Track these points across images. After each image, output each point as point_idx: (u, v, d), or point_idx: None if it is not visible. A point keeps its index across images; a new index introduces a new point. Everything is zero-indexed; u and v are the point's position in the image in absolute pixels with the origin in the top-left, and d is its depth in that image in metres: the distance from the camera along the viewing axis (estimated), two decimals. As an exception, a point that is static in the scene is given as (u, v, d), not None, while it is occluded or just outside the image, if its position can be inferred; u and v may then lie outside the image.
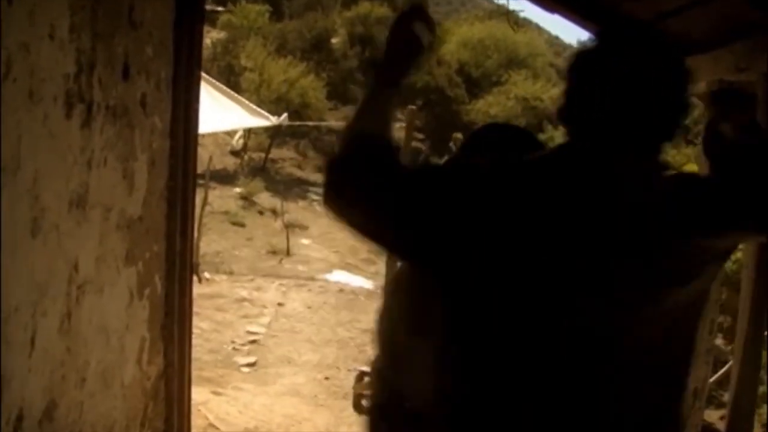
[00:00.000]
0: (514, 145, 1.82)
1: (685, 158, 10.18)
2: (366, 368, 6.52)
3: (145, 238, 2.88)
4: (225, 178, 15.97)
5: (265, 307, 9.05)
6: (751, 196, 1.36)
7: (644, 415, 1.45)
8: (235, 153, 18.17)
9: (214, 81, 10.24)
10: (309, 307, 9.18)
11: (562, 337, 1.39)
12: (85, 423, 2.41)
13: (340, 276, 10.89)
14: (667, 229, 1.38)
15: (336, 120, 17.86)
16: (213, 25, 20.62)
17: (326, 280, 10.79)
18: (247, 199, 15.20)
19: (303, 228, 13.95)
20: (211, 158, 11.98)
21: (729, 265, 3.75)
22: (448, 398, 1.47)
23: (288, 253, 12.18)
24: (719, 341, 5.93)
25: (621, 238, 1.38)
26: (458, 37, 25.80)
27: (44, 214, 2.00)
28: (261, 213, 14.92)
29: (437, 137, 19.58)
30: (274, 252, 12.23)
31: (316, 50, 23.16)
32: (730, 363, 4.58)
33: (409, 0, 1.68)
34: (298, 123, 16.26)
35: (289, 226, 13.08)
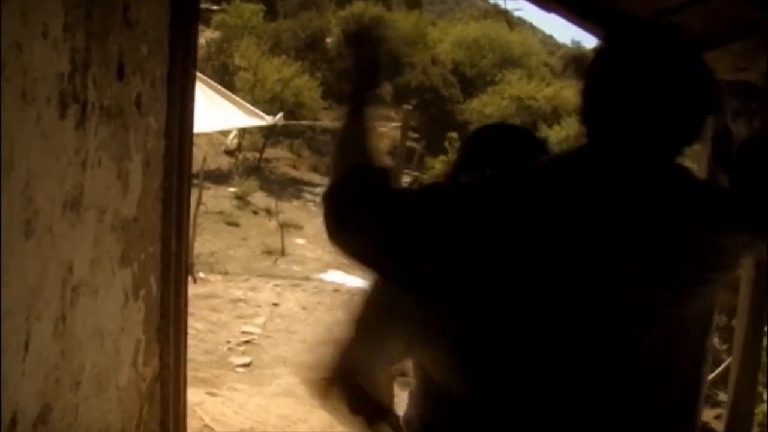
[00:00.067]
0: (515, 146, 1.78)
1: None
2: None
3: (140, 240, 2.86)
4: (219, 177, 15.94)
5: (260, 307, 9.02)
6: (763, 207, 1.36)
7: (661, 423, 1.44)
8: (229, 153, 18.14)
9: (209, 80, 10.20)
10: (304, 308, 9.15)
11: (582, 347, 1.37)
12: (80, 426, 2.39)
13: (335, 276, 10.85)
14: (683, 236, 1.37)
15: (330, 119, 17.84)
16: (207, 24, 20.57)
17: (321, 280, 10.76)
18: (241, 198, 15.17)
19: (298, 228, 13.92)
20: (205, 158, 11.96)
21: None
22: (456, 406, 1.44)
23: (283, 253, 12.16)
24: (714, 340, 5.93)
25: (639, 244, 1.36)
26: (453, 37, 25.84)
27: (38, 215, 1.98)
28: (255, 213, 14.89)
29: (432, 137, 19.57)
30: (268, 252, 12.20)
31: (311, 50, 23.16)
32: (726, 362, 4.58)
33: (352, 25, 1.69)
34: (293, 122, 16.22)
35: (283, 226, 13.05)
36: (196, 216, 9.25)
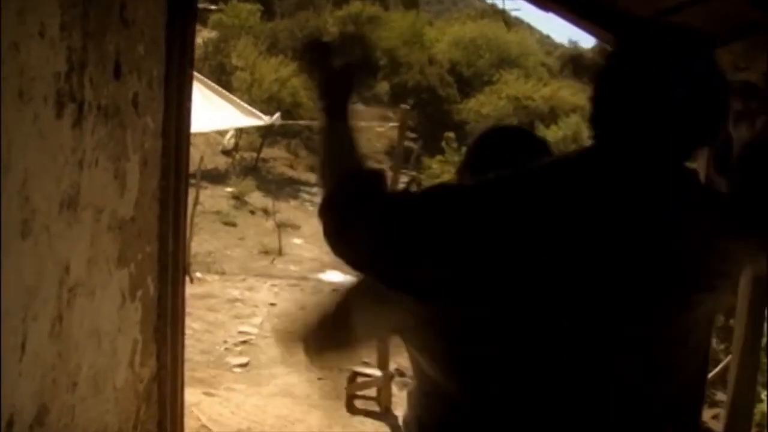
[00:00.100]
0: (520, 148, 1.77)
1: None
2: (358, 369, 6.50)
3: (137, 240, 2.85)
4: (216, 177, 15.93)
5: (257, 307, 9.01)
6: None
7: (664, 425, 1.43)
8: (226, 152, 18.13)
9: (206, 80, 10.18)
10: (301, 308, 9.14)
11: (586, 349, 1.36)
12: (77, 427, 2.37)
13: (332, 276, 10.83)
14: (686, 239, 1.37)
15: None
16: (204, 24, 20.56)
17: (319, 280, 10.75)
18: (238, 198, 15.17)
19: (295, 227, 13.92)
20: (202, 158, 11.95)
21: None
22: (456, 407, 1.43)
23: (280, 252, 12.15)
24: (712, 340, 5.93)
25: (644, 246, 1.35)
26: (450, 37, 25.87)
27: (34, 215, 1.96)
28: (252, 213, 14.89)
29: (429, 136, 19.58)
30: (266, 252, 12.19)
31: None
32: (724, 362, 4.58)
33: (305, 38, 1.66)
34: (290, 122, 16.22)
35: (280, 226, 13.06)
36: (193, 216, 9.24)
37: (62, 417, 2.25)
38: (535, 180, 1.40)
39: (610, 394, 1.38)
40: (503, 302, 1.35)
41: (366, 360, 7.12)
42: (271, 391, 6.43)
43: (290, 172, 19.04)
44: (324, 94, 1.57)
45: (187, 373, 3.71)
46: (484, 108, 22.02)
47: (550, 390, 1.37)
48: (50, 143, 2.05)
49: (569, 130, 19.27)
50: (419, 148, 19.30)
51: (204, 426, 5.44)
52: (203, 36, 19.92)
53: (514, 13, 34.14)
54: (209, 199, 13.97)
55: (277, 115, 12.30)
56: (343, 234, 1.43)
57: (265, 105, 16.16)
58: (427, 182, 13.42)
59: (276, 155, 19.63)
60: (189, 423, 4.55)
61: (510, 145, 1.81)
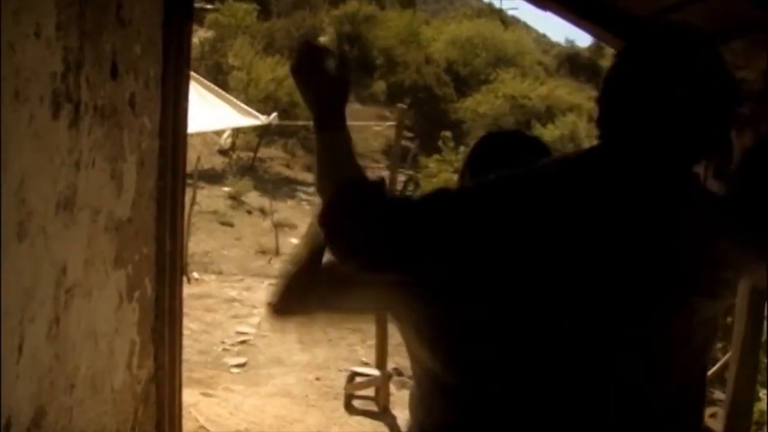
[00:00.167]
0: (521, 152, 1.77)
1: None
2: (357, 368, 6.50)
3: (134, 240, 2.84)
4: (213, 177, 15.91)
5: (254, 307, 8.99)
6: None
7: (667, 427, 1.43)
8: (223, 152, 18.12)
9: (202, 80, 10.16)
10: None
11: (594, 349, 1.36)
12: (75, 429, 2.36)
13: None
14: (690, 241, 1.36)
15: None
16: (200, 23, 20.54)
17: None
18: (235, 198, 15.16)
19: (292, 227, 13.90)
20: (199, 158, 11.93)
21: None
22: (465, 407, 1.42)
23: (277, 252, 12.13)
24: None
25: (647, 247, 1.35)
26: (446, 36, 25.87)
27: (31, 216, 1.95)
28: (249, 212, 14.88)
29: (426, 136, 19.56)
30: (263, 251, 12.18)
31: (305, 49, 23.09)
32: (722, 361, 4.57)
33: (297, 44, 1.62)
34: (287, 122, 16.20)
35: (278, 226, 13.04)
36: (190, 216, 9.23)
37: (60, 419, 2.24)
38: (538, 180, 1.40)
39: (611, 394, 1.38)
40: (505, 301, 1.34)
41: (364, 360, 7.13)
42: (269, 391, 6.41)
43: (287, 172, 19.02)
44: (319, 102, 1.54)
45: (185, 374, 3.70)
46: (481, 107, 22.02)
47: (551, 390, 1.36)
48: (46, 144, 2.04)
49: (566, 129, 19.29)
50: (416, 148, 19.29)
51: (202, 427, 5.42)
52: (199, 36, 19.90)
53: (511, 12, 34.19)
54: (206, 199, 13.95)
55: (274, 114, 12.28)
56: (346, 239, 1.42)
57: (262, 104, 16.15)
58: (424, 181, 13.42)
59: (273, 155, 19.62)
60: (187, 424, 4.53)
61: (510, 149, 1.80)
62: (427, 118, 21.31)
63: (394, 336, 6.27)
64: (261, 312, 8.77)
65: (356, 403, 6.21)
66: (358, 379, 6.26)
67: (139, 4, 2.69)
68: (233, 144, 18.24)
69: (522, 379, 1.37)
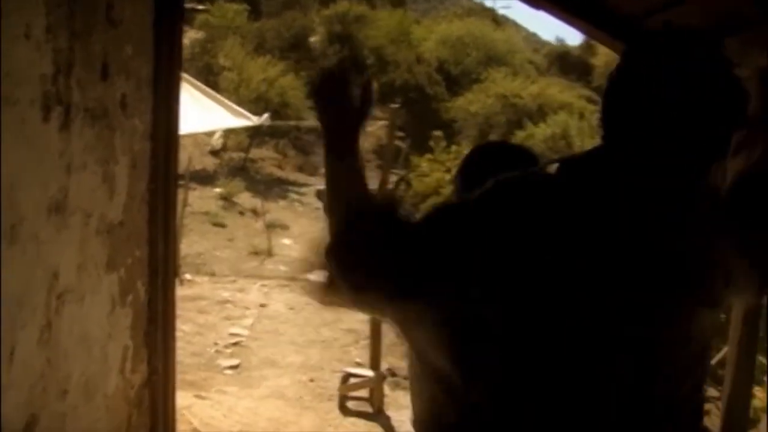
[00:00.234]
0: (512, 163, 1.77)
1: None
2: (351, 369, 6.48)
3: (127, 244, 2.81)
4: (205, 178, 15.85)
5: (247, 308, 8.96)
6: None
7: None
8: (214, 153, 18.05)
9: (194, 81, 10.12)
10: (292, 308, 9.10)
11: (596, 354, 1.36)
12: (68, 436, 2.34)
13: (322, 276, 10.80)
14: (692, 245, 1.36)
15: (316, 119, 17.77)
16: (191, 24, 20.47)
17: (308, 281, 10.69)
18: (227, 199, 15.10)
19: (284, 228, 13.87)
20: (190, 159, 11.88)
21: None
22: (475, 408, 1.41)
23: (269, 253, 12.10)
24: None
25: (647, 250, 1.35)
26: (437, 35, 25.84)
27: (22, 221, 1.93)
28: (241, 213, 14.82)
29: (417, 135, 19.55)
30: (255, 252, 12.14)
31: (295, 49, 23.10)
32: (716, 358, 4.58)
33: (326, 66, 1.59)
34: (278, 122, 16.16)
35: (270, 226, 13.01)
36: (182, 217, 9.19)
37: (52, 426, 2.22)
38: (540, 183, 1.41)
39: (612, 394, 1.37)
40: (510, 302, 1.34)
41: (358, 360, 7.11)
42: (262, 393, 6.38)
43: (279, 173, 18.97)
44: (335, 128, 1.52)
45: (178, 376, 3.68)
46: (473, 106, 22.00)
47: (554, 390, 1.36)
48: (37, 147, 2.01)
49: (557, 128, 19.28)
50: (407, 147, 19.28)
51: (196, 429, 5.39)
52: (190, 36, 19.82)
53: (502, 11, 34.22)
54: (198, 200, 13.90)
55: (266, 115, 12.25)
56: (358, 272, 1.41)
57: (253, 105, 16.09)
58: (416, 181, 13.41)
59: (264, 155, 19.56)
60: (181, 427, 4.51)
61: (501, 159, 1.83)
62: (419, 117, 21.29)
63: (388, 336, 6.26)
64: (254, 313, 8.75)
65: (350, 404, 6.19)
66: (352, 380, 6.24)
67: (130, 5, 2.67)
68: (224, 145, 18.17)
69: (524, 379, 1.37)
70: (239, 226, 13.84)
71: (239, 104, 12.25)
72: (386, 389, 6.29)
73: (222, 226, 13.59)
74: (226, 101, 10.96)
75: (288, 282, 10.40)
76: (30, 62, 1.93)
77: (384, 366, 6.37)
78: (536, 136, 18.84)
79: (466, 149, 13.87)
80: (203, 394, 6.09)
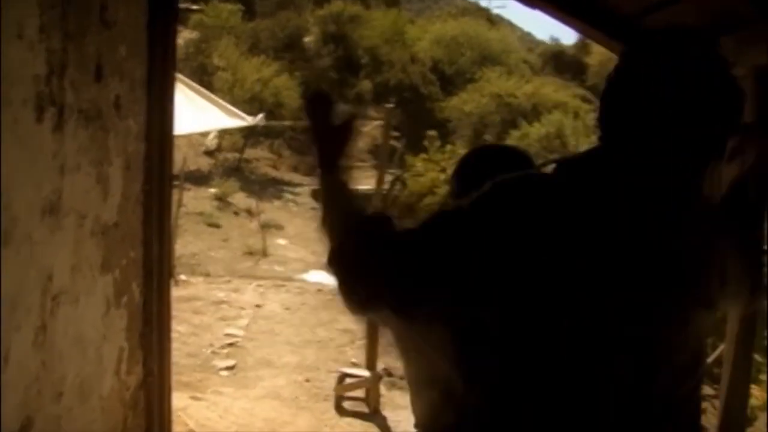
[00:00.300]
0: (505, 166, 1.77)
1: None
2: (347, 370, 6.47)
3: (121, 245, 2.80)
4: (199, 179, 15.84)
5: (242, 308, 8.94)
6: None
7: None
8: (209, 153, 18.03)
9: (188, 81, 10.09)
10: (287, 309, 9.09)
11: (595, 354, 1.35)
12: (63, 438, 2.33)
13: (317, 276, 10.79)
14: (690, 244, 1.37)
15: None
16: (185, 24, 20.44)
17: (304, 281, 10.69)
18: (222, 199, 15.09)
19: (279, 228, 13.86)
20: (185, 159, 11.87)
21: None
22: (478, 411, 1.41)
23: (264, 253, 12.09)
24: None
25: (647, 249, 1.35)
26: (431, 35, 25.86)
27: (16, 223, 1.92)
28: (236, 213, 14.81)
29: (412, 135, 19.55)
30: (250, 253, 12.12)
31: (289, 49, 23.09)
32: (712, 356, 4.58)
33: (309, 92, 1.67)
34: (273, 123, 16.14)
35: (265, 227, 12.99)
36: (176, 218, 9.17)
37: (47, 428, 2.20)
38: (539, 183, 1.40)
39: (611, 394, 1.37)
40: (510, 302, 1.33)
41: (354, 361, 7.10)
42: (258, 393, 6.37)
43: (273, 173, 18.96)
44: (323, 148, 1.58)
45: (174, 377, 3.67)
46: (467, 106, 22.02)
47: (551, 392, 1.35)
48: (30, 148, 2.00)
49: (552, 127, 19.30)
50: (403, 147, 19.28)
51: (192, 431, 5.38)
52: (184, 37, 19.80)
53: (496, 11, 34.21)
54: (192, 200, 13.88)
55: (260, 115, 12.24)
56: (363, 283, 1.42)
57: (247, 105, 16.07)
58: (411, 181, 13.40)
59: (259, 156, 19.54)
60: (176, 428, 4.49)
61: (496, 162, 1.83)
62: (413, 117, 21.29)
63: (384, 336, 6.25)
64: (249, 314, 8.74)
65: (346, 404, 6.18)
66: (348, 381, 6.24)
67: (124, 6, 2.66)
68: (219, 145, 18.16)
69: (523, 380, 1.37)
70: (234, 227, 13.83)
71: (234, 104, 12.22)
72: (382, 389, 6.28)
73: (217, 226, 13.58)
74: (221, 101, 10.93)
75: (283, 282, 10.40)
76: (23, 63, 1.92)
77: (380, 366, 6.36)
78: (531, 135, 18.86)
79: (460, 149, 13.90)
80: (199, 395, 6.08)
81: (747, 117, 2.01)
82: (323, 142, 1.60)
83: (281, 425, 5.78)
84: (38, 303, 2.11)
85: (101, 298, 2.64)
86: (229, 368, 6.97)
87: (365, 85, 23.55)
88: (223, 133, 17.37)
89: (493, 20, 31.52)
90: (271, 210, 15.20)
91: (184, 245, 11.20)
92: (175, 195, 6.51)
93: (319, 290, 9.90)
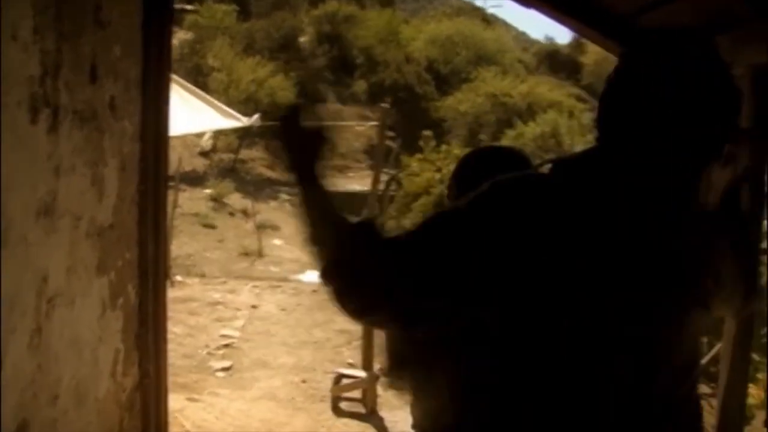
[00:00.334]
0: (505, 167, 1.77)
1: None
2: (343, 370, 6.46)
3: (117, 246, 2.79)
4: (195, 179, 15.81)
5: (238, 309, 8.93)
6: None
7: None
8: (204, 154, 18.01)
9: (183, 82, 10.07)
10: (283, 309, 9.08)
11: (595, 354, 1.35)
12: (59, 441, 2.32)
13: (313, 276, 10.76)
14: (689, 244, 1.38)
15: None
16: (179, 25, 20.40)
17: (300, 281, 10.68)
18: (217, 200, 15.07)
19: (275, 228, 13.85)
20: (180, 160, 11.85)
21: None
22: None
23: (260, 254, 12.08)
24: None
25: (646, 249, 1.35)
26: (426, 35, 25.85)
27: (11, 225, 1.91)
28: (232, 214, 14.80)
29: (407, 135, 19.55)
30: (246, 253, 12.11)
31: (284, 49, 23.05)
32: (707, 356, 4.59)
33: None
34: (269, 123, 16.12)
35: (260, 227, 12.98)
36: (172, 219, 9.16)
37: (43, 431, 2.19)
38: (536, 183, 1.40)
39: (611, 394, 1.37)
40: (508, 305, 1.33)
41: (350, 361, 7.09)
42: (254, 395, 6.35)
43: (269, 173, 18.93)
44: (296, 160, 1.55)
45: (170, 379, 3.66)
46: (462, 105, 22.01)
47: (551, 392, 1.35)
48: (25, 150, 1.99)
49: (547, 126, 19.31)
50: (398, 147, 19.30)
51: (188, 432, 5.37)
52: (178, 37, 19.75)
53: (491, 11, 34.24)
54: (188, 201, 13.86)
55: (256, 116, 12.20)
56: (360, 291, 1.40)
57: (243, 106, 16.04)
58: (406, 181, 13.39)
59: (254, 156, 19.51)
60: (173, 430, 4.48)
61: (495, 163, 1.83)
62: (408, 117, 21.28)
63: (380, 337, 6.22)
64: (245, 314, 8.72)
65: (343, 405, 6.17)
66: (345, 381, 6.22)
67: (118, 6, 2.65)
68: (214, 146, 18.14)
69: (523, 381, 1.36)
70: (229, 227, 13.81)
71: (229, 105, 12.20)
72: (379, 390, 6.27)
73: (212, 227, 13.56)
74: (216, 102, 10.90)
75: (279, 283, 10.38)
76: (17, 64, 1.91)
77: (376, 366, 6.35)
78: (526, 134, 18.86)
79: (456, 148, 13.89)
80: (195, 396, 6.06)
81: (744, 116, 2.02)
82: (297, 153, 1.56)
83: (278, 426, 5.76)
84: (33, 305, 2.10)
85: (97, 299, 2.63)
86: (226, 369, 6.95)
87: (360, 85, 23.54)
88: (218, 134, 17.36)
89: (488, 20, 31.53)
90: (267, 210, 15.18)
91: (179, 246, 11.18)
92: (170, 196, 6.50)
93: (315, 291, 9.88)
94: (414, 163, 14.44)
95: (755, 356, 4.48)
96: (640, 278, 1.34)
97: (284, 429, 5.74)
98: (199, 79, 17.99)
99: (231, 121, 10.90)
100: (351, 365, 6.85)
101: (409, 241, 1.41)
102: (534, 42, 36.13)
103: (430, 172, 13.32)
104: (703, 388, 4.93)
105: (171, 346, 4.75)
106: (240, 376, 6.81)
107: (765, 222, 2.94)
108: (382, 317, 1.44)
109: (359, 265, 1.40)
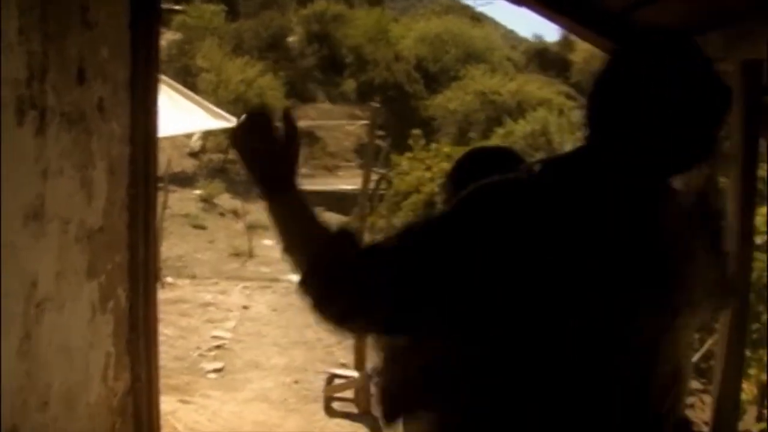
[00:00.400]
0: (501, 167, 1.76)
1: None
2: (335, 370, 6.44)
3: (107, 250, 2.76)
4: (184, 180, 15.77)
5: (230, 310, 8.90)
6: None
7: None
8: (193, 155, 17.97)
9: (172, 82, 10.03)
10: (274, 310, 9.05)
11: (595, 354, 1.35)
12: (49, 447, 2.29)
13: (305, 277, 10.74)
14: (685, 243, 1.38)
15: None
16: (167, 25, 20.33)
17: (290, 281, 10.65)
18: (207, 201, 15.03)
19: (265, 229, 13.77)
20: (169, 161, 11.80)
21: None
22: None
23: (251, 254, 12.05)
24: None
25: (644, 249, 1.34)
26: (415, 33, 25.88)
27: (-2, 229, 1.88)
28: (222, 215, 14.76)
29: (397, 134, 19.54)
30: (236, 254, 12.08)
31: (273, 49, 23.03)
32: (700, 352, 4.60)
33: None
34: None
35: (251, 228, 12.94)
36: (161, 220, 9.11)
37: (34, 438, 2.17)
38: (525, 184, 1.39)
39: (616, 395, 1.36)
40: (503, 305, 1.31)
41: (342, 361, 7.07)
42: (247, 396, 6.33)
43: (259, 173, 18.90)
44: (265, 169, 1.48)
45: (162, 381, 3.63)
46: (452, 103, 22.04)
47: (555, 391, 1.34)
48: (12, 153, 1.96)
49: (537, 124, 19.33)
50: (387, 146, 19.28)
51: (180, 435, 5.34)
52: (167, 38, 19.70)
53: (480, 8, 34.27)
54: (178, 202, 13.81)
55: (245, 116, 12.17)
56: (340, 302, 1.37)
57: (232, 106, 15.97)
58: (396, 179, 13.38)
59: (244, 156, 19.48)
60: (165, 433, 4.45)
61: (491, 163, 1.82)
62: (398, 115, 21.28)
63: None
64: (236, 315, 8.70)
65: (336, 405, 6.15)
66: (337, 381, 6.21)
67: (105, 7, 2.62)
68: (203, 146, 18.09)
69: (522, 381, 1.35)
70: (220, 228, 13.77)
71: (218, 105, 12.16)
72: (371, 389, 6.26)
73: (202, 228, 13.52)
74: (205, 103, 10.86)
75: (270, 283, 10.36)
76: (3, 66, 1.88)
77: (369, 366, 6.34)
78: (516, 132, 18.87)
79: (445, 147, 13.87)
80: (187, 398, 6.04)
81: (734, 112, 2.02)
82: (261, 163, 1.49)
83: (271, 428, 5.74)
84: (22, 311, 2.07)
85: (87, 304, 2.60)
86: (217, 371, 6.93)
87: (350, 84, 23.54)
88: (207, 135, 17.31)
89: (476, 18, 31.58)
90: (257, 211, 15.10)
91: (169, 247, 11.14)
92: (160, 197, 6.47)
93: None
94: (404, 162, 14.42)
95: (747, 352, 4.49)
96: (630, 278, 1.33)
97: (277, 430, 5.73)
98: (188, 80, 17.94)
99: (220, 121, 10.85)
100: (343, 365, 6.84)
101: (389, 249, 1.38)
102: (522, 40, 36.22)
103: (420, 170, 13.30)
104: (694, 384, 4.94)
105: (163, 348, 4.72)
106: (232, 378, 6.78)
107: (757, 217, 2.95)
108: (361, 325, 1.41)
109: (338, 275, 1.37)
